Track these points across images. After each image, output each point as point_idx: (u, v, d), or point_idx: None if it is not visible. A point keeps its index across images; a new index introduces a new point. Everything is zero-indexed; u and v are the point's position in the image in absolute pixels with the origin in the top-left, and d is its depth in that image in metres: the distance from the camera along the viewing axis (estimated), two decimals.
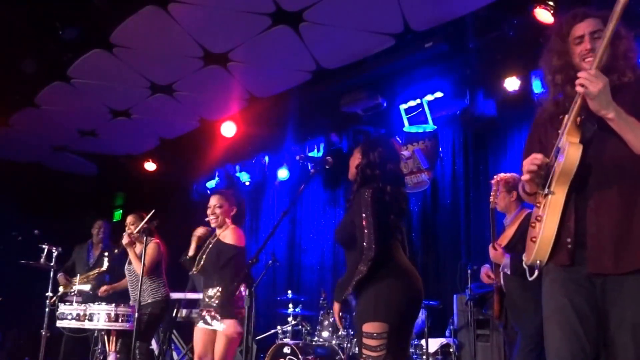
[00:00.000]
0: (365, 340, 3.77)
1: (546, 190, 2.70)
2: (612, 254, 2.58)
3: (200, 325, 5.42)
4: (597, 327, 2.62)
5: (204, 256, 5.50)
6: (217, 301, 5.35)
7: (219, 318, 5.28)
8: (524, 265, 2.88)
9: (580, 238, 2.67)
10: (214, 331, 5.30)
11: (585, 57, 2.84)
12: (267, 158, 11.23)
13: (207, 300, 5.43)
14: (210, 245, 5.53)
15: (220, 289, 5.36)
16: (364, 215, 3.91)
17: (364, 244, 3.86)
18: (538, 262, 2.74)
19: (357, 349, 4.10)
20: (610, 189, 2.64)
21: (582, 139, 2.66)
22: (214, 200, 5.61)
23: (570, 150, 2.59)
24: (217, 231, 5.63)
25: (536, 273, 2.78)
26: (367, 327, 3.79)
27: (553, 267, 2.76)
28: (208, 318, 5.35)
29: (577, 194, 2.68)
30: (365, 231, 3.88)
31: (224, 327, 5.22)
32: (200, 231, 5.70)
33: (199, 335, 5.43)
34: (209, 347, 5.33)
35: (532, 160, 2.74)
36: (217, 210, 5.54)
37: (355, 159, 4.26)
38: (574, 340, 2.62)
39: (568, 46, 2.93)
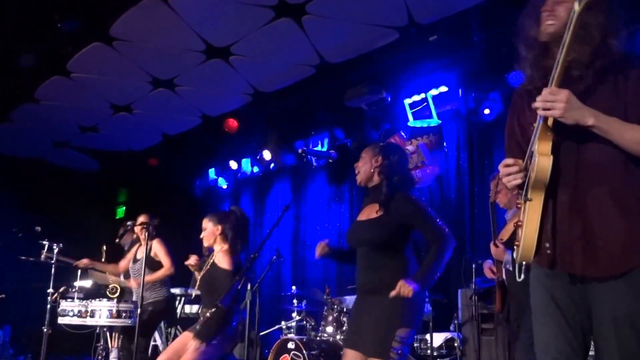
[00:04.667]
0: (395, 344, 3.81)
1: (523, 197, 2.60)
2: (580, 254, 2.51)
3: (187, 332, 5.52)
4: (583, 320, 2.57)
5: (201, 279, 5.60)
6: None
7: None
8: (514, 263, 2.81)
9: (557, 238, 2.58)
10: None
11: (545, 19, 2.67)
12: (270, 153, 11.17)
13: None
14: (208, 267, 5.61)
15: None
16: (425, 215, 4.08)
17: (439, 233, 4.05)
18: (524, 263, 2.68)
19: (363, 342, 4.04)
20: (585, 189, 2.53)
21: (555, 139, 2.51)
22: (203, 223, 5.75)
23: (540, 162, 2.45)
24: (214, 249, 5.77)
25: (522, 276, 2.72)
26: (401, 332, 3.85)
27: (536, 265, 2.70)
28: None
29: (554, 195, 2.57)
30: (433, 226, 4.06)
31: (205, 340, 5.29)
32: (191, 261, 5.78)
33: (178, 339, 5.55)
34: (179, 352, 5.37)
35: (514, 177, 2.60)
36: (203, 234, 5.70)
37: (372, 163, 4.25)
38: (560, 335, 2.57)
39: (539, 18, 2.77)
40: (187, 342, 5.37)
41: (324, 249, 4.42)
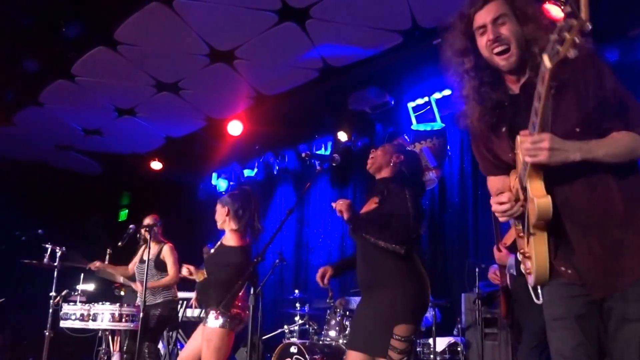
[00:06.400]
0: (394, 343, 3.74)
1: (525, 231, 2.58)
2: (602, 275, 2.47)
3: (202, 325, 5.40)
4: (599, 329, 2.54)
5: (208, 260, 5.55)
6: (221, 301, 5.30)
7: (218, 316, 5.24)
8: (529, 287, 2.77)
9: (576, 262, 2.53)
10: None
11: (493, 48, 2.60)
12: (273, 157, 11.17)
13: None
14: (216, 248, 5.57)
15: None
16: (410, 207, 3.94)
17: (406, 227, 3.89)
18: (539, 287, 2.67)
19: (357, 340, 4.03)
20: (589, 213, 2.49)
21: (547, 169, 2.47)
22: (217, 205, 5.70)
23: (540, 205, 2.42)
24: None
25: (542, 299, 2.69)
26: (400, 330, 3.78)
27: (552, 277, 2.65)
28: (212, 317, 5.29)
29: (558, 224, 2.52)
30: (411, 219, 3.91)
31: (218, 324, 5.17)
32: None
33: (195, 335, 5.44)
34: (198, 346, 5.31)
35: (510, 212, 2.59)
36: (215, 217, 5.63)
37: (393, 158, 4.24)
38: (579, 347, 2.54)
39: (474, 41, 2.69)
40: (200, 333, 5.32)
41: (328, 273, 4.39)
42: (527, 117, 2.41)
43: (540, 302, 2.70)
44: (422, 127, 9.00)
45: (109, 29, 7.68)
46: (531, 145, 2.37)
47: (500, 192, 2.69)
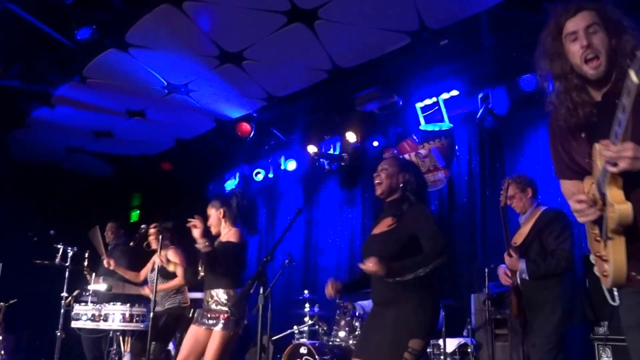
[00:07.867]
0: (407, 356, 3.75)
1: (604, 237, 2.59)
2: None
3: (198, 325, 5.45)
4: None
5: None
6: (228, 302, 5.40)
7: (226, 318, 5.33)
8: (604, 289, 2.80)
9: None
10: (208, 332, 5.35)
11: (585, 57, 2.66)
12: (283, 157, 11.20)
13: (215, 301, 5.46)
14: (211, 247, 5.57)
15: (226, 291, 5.45)
16: (434, 226, 3.99)
17: (439, 245, 3.91)
18: (615, 289, 2.68)
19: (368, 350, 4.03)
20: None
21: (625, 176, 2.49)
22: (208, 211, 5.79)
23: (621, 211, 2.45)
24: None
25: (617, 301, 2.70)
26: (414, 344, 3.78)
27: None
28: (213, 321, 5.37)
29: (635, 230, 2.53)
30: (437, 237, 3.94)
31: (223, 326, 5.28)
32: None
33: (192, 335, 5.45)
34: (197, 349, 5.37)
35: (586, 215, 2.62)
36: (209, 221, 5.70)
37: (399, 178, 4.20)
38: None
39: (563, 47, 2.75)
40: (199, 335, 5.37)
41: (336, 287, 4.32)
42: (607, 125, 2.44)
43: (615, 303, 2.72)
44: (430, 127, 9.01)
45: (121, 32, 7.74)
46: (615, 154, 2.40)
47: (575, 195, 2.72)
